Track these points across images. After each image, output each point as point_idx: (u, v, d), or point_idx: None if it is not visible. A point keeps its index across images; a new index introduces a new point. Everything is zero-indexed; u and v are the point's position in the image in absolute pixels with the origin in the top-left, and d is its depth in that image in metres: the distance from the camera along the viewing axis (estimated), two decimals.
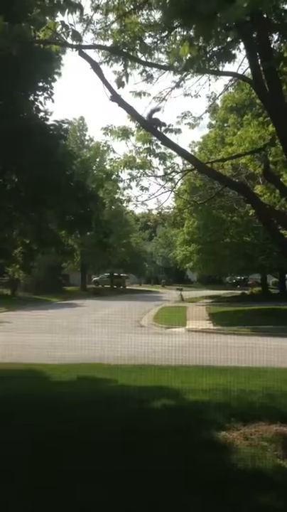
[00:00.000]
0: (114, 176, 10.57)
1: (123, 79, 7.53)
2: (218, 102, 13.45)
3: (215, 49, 7.18)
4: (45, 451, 6.24)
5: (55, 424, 7.35)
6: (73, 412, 8.05)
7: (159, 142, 8.89)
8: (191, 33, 5.51)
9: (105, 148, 10.10)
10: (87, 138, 59.32)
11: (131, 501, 4.99)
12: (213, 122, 26.64)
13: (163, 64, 8.49)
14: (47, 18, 6.05)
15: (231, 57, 6.96)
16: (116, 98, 7.43)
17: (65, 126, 11.72)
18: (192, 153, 11.96)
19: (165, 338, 19.63)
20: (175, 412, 8.22)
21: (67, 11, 5.61)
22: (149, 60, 8.17)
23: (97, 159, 48.81)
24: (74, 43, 6.57)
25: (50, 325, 23.23)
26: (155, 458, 6.08)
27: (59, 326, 22.33)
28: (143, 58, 8.20)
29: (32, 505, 4.95)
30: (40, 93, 11.28)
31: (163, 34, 8.15)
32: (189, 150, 11.68)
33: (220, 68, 7.68)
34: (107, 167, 12.74)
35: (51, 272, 48.01)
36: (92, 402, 8.69)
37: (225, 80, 9.32)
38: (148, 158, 9.40)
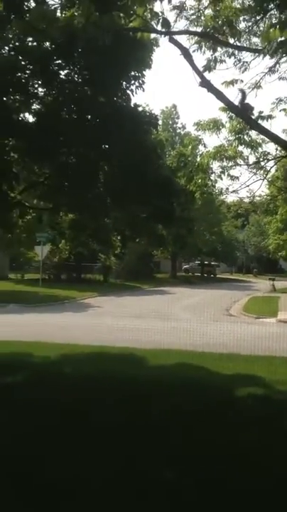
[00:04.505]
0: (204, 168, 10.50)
1: (212, 63, 7.45)
2: None
3: None
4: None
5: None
6: (158, 397, 8.19)
7: (250, 128, 8.75)
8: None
9: (196, 142, 10.05)
10: (179, 125, 59.55)
11: (203, 482, 5.02)
12: None
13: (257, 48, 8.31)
14: (138, 6, 6.09)
15: None
16: (205, 83, 7.39)
17: (155, 114, 11.80)
18: None
19: (255, 328, 19.32)
20: (262, 402, 8.14)
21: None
22: (240, 45, 8.04)
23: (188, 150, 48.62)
24: (164, 30, 6.59)
25: (141, 310, 23.67)
26: (236, 445, 6.06)
27: (149, 312, 22.67)
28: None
29: None
30: (132, 82, 11.45)
31: (258, 17, 7.98)
32: (283, 136, 11.32)
33: None
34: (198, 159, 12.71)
35: (142, 259, 48.77)
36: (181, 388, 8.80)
37: None
38: (239, 148, 9.28)
